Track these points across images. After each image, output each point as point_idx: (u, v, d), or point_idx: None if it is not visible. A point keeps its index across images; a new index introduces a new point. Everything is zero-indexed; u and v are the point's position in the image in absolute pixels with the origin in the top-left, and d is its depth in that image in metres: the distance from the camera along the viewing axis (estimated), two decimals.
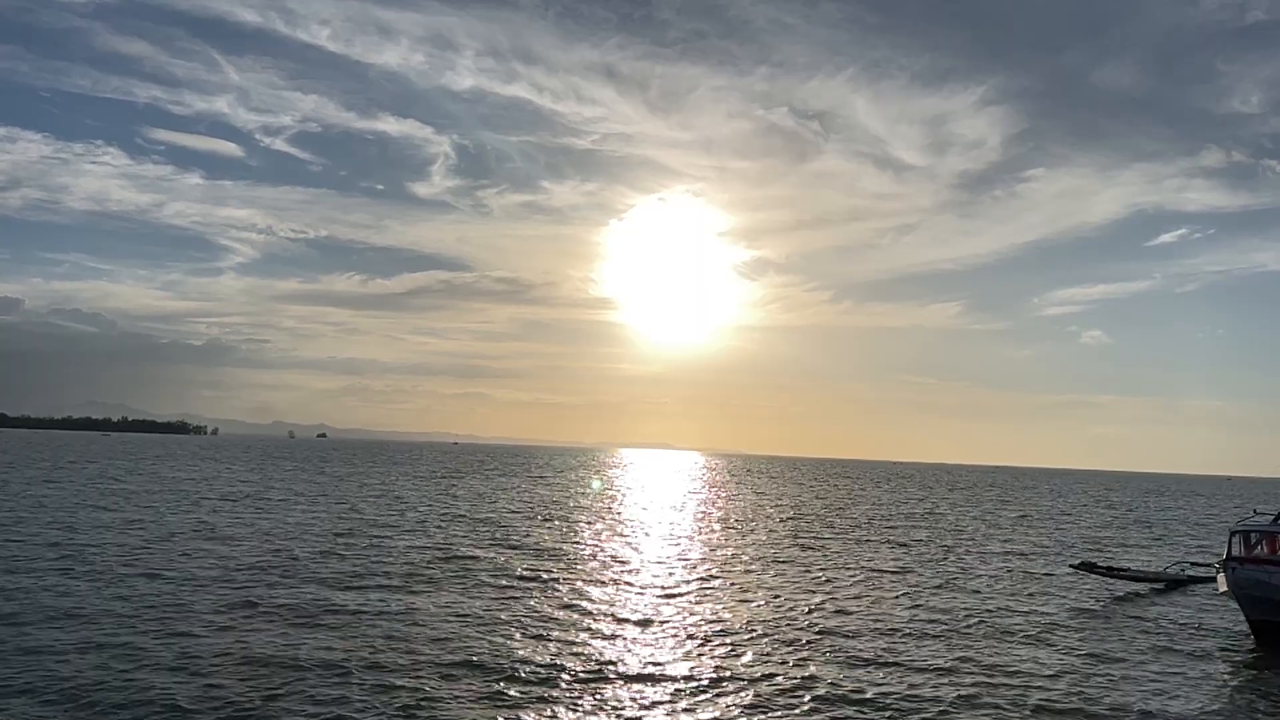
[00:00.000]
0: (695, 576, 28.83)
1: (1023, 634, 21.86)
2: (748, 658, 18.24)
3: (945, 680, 17.16)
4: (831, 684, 16.48)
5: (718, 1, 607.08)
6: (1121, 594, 29.20)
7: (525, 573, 27.89)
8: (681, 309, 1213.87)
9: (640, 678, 16.48)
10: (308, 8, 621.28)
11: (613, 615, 22.03)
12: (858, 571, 31.61)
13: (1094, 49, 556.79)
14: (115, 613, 19.83)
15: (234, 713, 13.67)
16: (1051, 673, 18.17)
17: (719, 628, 21.00)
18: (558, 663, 17.18)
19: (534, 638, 19.14)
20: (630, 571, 29.44)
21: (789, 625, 21.62)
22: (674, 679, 16.47)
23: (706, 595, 25.47)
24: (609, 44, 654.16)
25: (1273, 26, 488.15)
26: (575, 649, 18.34)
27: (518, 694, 15.16)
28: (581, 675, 16.43)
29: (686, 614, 22.56)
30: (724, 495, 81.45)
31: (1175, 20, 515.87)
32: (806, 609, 23.84)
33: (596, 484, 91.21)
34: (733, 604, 24.22)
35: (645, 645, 19.04)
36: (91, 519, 38.19)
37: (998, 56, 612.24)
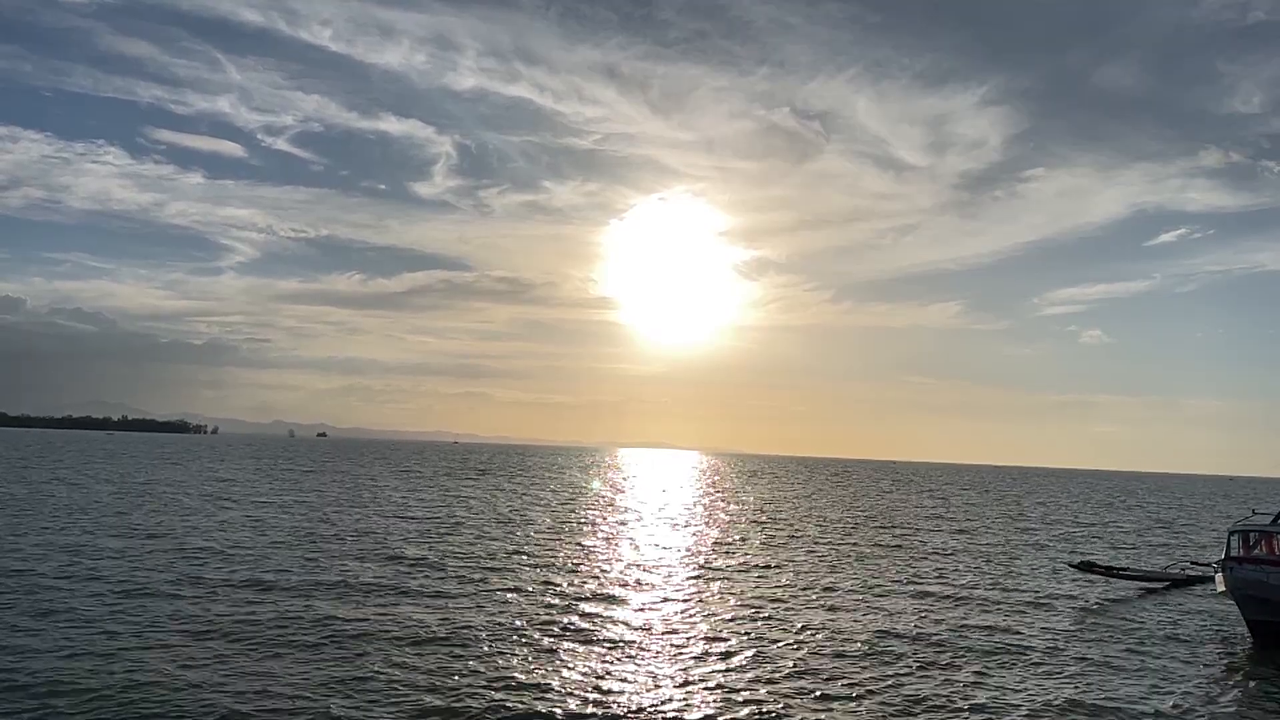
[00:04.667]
0: (695, 579, 28.92)
1: (1022, 633, 21.94)
2: (748, 661, 18.32)
3: (943, 679, 17.27)
4: (826, 681, 16.60)
5: (719, 1, 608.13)
6: (1121, 594, 29.30)
7: (523, 574, 28.00)
8: (682, 309, 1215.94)
9: (644, 681, 16.61)
10: (310, 8, 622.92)
11: (611, 619, 22.11)
12: (855, 572, 31.69)
13: (1095, 49, 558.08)
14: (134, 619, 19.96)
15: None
16: (1050, 672, 18.27)
17: (718, 629, 21.11)
18: (560, 663, 17.32)
19: (532, 638, 19.26)
20: (628, 573, 29.50)
21: (788, 624, 21.72)
22: (674, 686, 16.58)
23: (706, 598, 25.56)
24: (610, 44, 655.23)
25: (1274, 27, 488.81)
26: (572, 652, 18.46)
27: (516, 697, 15.28)
28: (580, 679, 16.55)
29: (687, 617, 22.66)
30: (724, 496, 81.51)
31: (1176, 21, 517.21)
32: (805, 605, 23.95)
33: (596, 484, 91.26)
34: (732, 607, 24.29)
35: (644, 647, 19.15)
36: (114, 522, 38.30)
37: (999, 57, 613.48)
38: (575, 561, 31.06)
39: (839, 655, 18.79)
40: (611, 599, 24.15)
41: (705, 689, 15.95)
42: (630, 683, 16.14)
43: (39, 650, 16.52)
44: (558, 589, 25.19)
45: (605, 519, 49.27)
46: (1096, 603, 27.39)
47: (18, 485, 55.65)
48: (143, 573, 24.88)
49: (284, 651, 17.20)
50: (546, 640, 19.01)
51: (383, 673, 16.06)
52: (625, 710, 14.62)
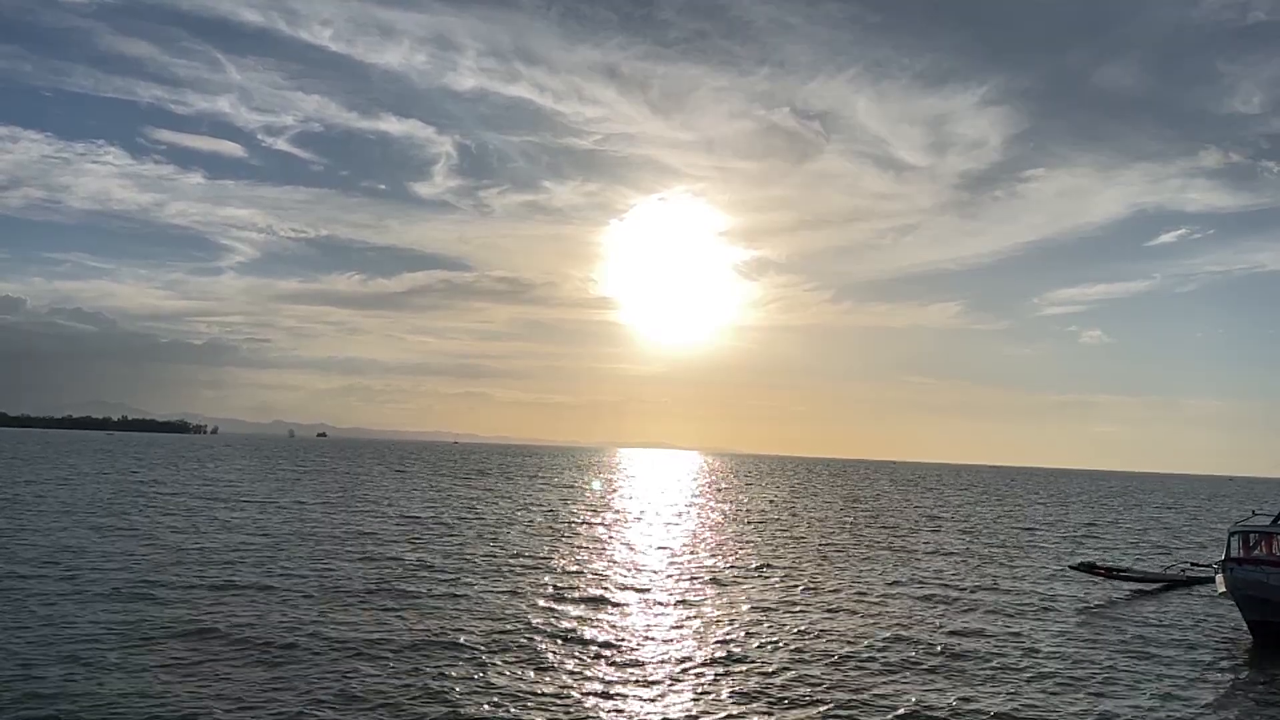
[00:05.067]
0: (694, 581, 28.84)
1: (1022, 634, 21.85)
2: (744, 665, 18.21)
3: (943, 681, 17.17)
4: (826, 687, 16.50)
5: (719, 1, 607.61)
6: (1121, 594, 29.21)
7: (520, 576, 27.91)
8: (682, 309, 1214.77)
9: (639, 684, 16.51)
10: (310, 8, 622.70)
11: (609, 621, 22.01)
12: (854, 573, 31.61)
13: (1095, 49, 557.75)
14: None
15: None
16: (1049, 673, 18.17)
17: (716, 631, 21.02)
18: (555, 666, 17.23)
19: (530, 641, 19.16)
20: (626, 576, 29.40)
21: (785, 627, 21.63)
22: (668, 690, 16.48)
23: (704, 600, 25.48)
24: (611, 44, 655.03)
25: (1274, 27, 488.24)
26: (568, 655, 18.36)
27: (510, 702, 15.18)
28: (575, 684, 16.45)
29: (685, 619, 22.57)
30: (723, 497, 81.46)
31: (1177, 20, 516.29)
32: (802, 607, 23.86)
33: (596, 485, 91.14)
34: (730, 609, 24.20)
35: (641, 649, 19.05)
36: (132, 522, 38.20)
37: (999, 57, 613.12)
38: (573, 563, 30.96)
39: (835, 657, 18.68)
40: (609, 602, 24.04)
41: (700, 691, 15.85)
42: (625, 686, 16.04)
43: (24, 654, 16.42)
44: (555, 591, 25.09)
45: (604, 520, 49.17)
46: (1096, 604, 27.29)
47: (11, 486, 55.55)
48: (130, 574, 24.76)
49: (270, 656, 17.09)
50: (542, 643, 18.90)
51: (375, 677, 15.96)
52: (619, 714, 14.53)
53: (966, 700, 15.94)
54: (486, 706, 14.48)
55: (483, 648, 18.13)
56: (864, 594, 26.77)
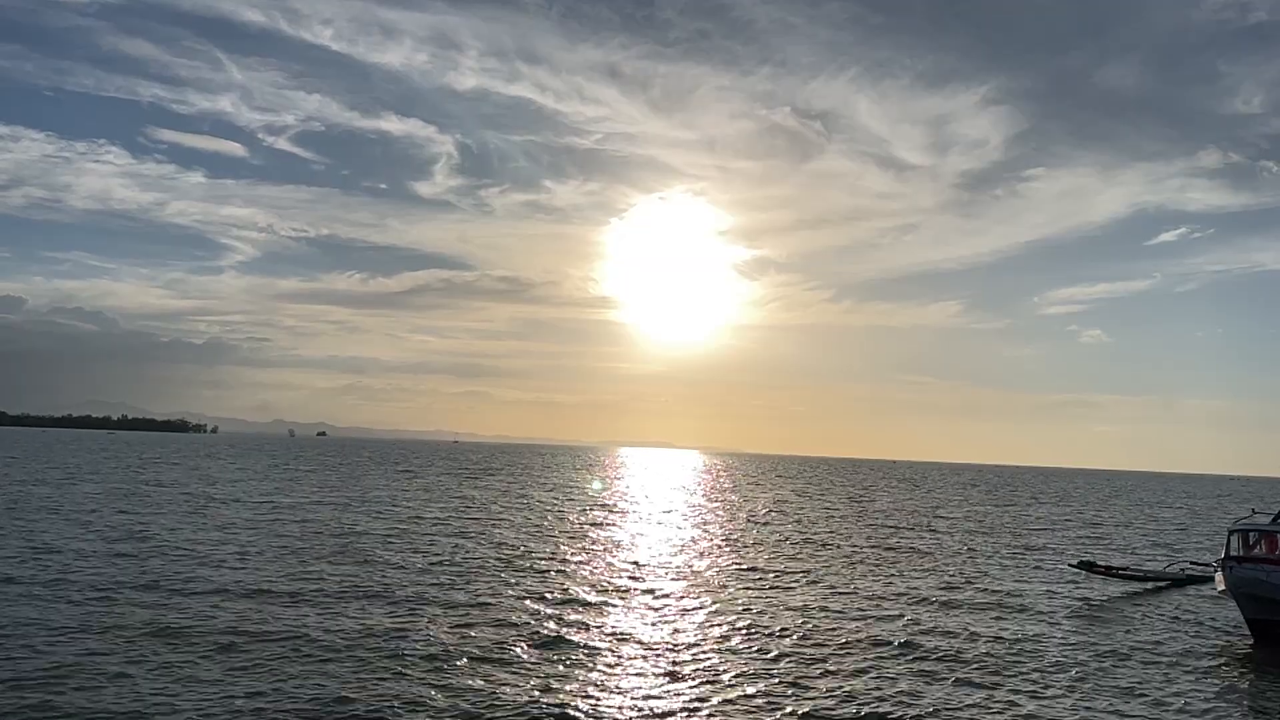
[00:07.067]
0: (692, 582, 28.85)
1: (1022, 634, 21.86)
2: (744, 668, 18.23)
3: (944, 681, 17.18)
4: (823, 686, 16.52)
5: (721, 1, 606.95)
6: (1121, 593, 29.22)
7: (518, 577, 27.92)
8: (682, 308, 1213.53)
9: (638, 687, 16.50)
10: (311, 7, 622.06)
11: (606, 623, 22.01)
12: (854, 573, 31.62)
13: (1096, 49, 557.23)
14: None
15: None
16: (1049, 672, 18.19)
17: (716, 633, 21.02)
18: (555, 670, 17.21)
19: (525, 642, 19.15)
20: (624, 577, 29.40)
21: (784, 627, 21.63)
22: (663, 691, 16.47)
23: (705, 601, 25.48)
24: (612, 44, 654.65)
25: (1275, 27, 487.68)
26: (569, 659, 18.36)
27: (510, 703, 15.17)
28: (576, 686, 16.44)
29: (682, 620, 22.58)
30: (723, 497, 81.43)
31: (1177, 21, 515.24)
32: (801, 608, 23.86)
33: (596, 484, 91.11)
34: (728, 609, 24.20)
35: (637, 651, 19.05)
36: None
37: (1000, 57, 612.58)
38: (571, 564, 30.97)
39: (832, 656, 18.71)
40: (607, 603, 24.08)
41: (695, 694, 15.86)
42: (619, 689, 16.06)
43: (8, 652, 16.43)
44: (552, 592, 25.11)
45: (604, 519, 49.17)
46: (1096, 602, 27.31)
47: (6, 485, 55.58)
48: (114, 574, 24.78)
49: (256, 660, 17.10)
50: (538, 645, 18.92)
51: (365, 678, 15.97)
52: (616, 713, 14.53)
53: (965, 699, 15.96)
54: (478, 708, 14.48)
55: (474, 650, 18.13)
56: (863, 593, 26.77)
